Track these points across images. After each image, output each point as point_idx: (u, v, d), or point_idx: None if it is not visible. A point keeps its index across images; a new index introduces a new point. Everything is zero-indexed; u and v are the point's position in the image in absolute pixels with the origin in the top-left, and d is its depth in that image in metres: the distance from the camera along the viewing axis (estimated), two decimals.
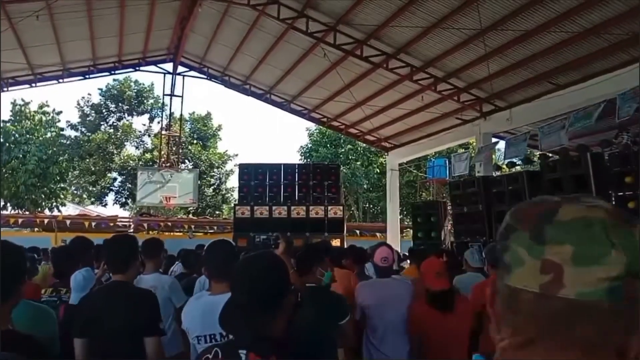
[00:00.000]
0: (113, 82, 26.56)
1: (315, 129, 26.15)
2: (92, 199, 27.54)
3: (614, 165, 6.71)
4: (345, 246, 8.87)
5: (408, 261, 8.25)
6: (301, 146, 27.75)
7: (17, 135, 23.36)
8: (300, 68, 12.87)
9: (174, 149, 20.46)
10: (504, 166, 12.12)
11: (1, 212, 20.00)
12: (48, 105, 25.16)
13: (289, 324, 1.65)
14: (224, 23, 12.39)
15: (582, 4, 7.60)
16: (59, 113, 25.76)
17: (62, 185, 24.95)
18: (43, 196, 23.69)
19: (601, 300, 0.58)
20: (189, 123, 27.80)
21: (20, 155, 22.77)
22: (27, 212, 21.24)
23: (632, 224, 0.62)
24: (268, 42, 12.25)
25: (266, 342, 1.52)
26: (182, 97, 17.85)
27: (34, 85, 14.47)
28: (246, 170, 12.08)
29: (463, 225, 9.20)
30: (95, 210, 24.62)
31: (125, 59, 15.21)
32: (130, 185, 25.56)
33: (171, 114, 19.20)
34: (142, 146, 27.83)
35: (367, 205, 27.56)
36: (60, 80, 14.64)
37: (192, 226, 18.99)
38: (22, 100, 24.20)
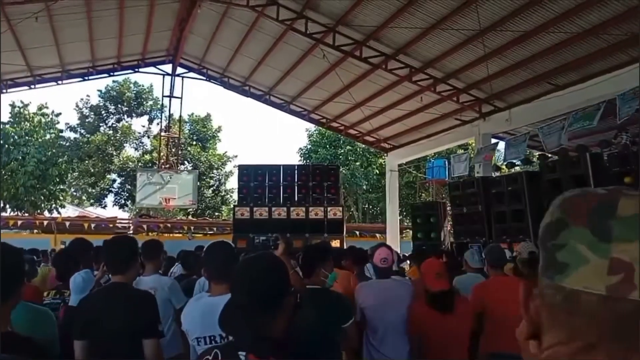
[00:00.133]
0: (112, 84, 26.66)
1: (315, 130, 26.16)
2: (92, 201, 27.54)
3: (613, 165, 6.73)
4: (345, 247, 8.86)
5: (408, 262, 8.26)
6: (300, 147, 27.88)
7: (16, 137, 23.38)
8: (299, 69, 12.88)
9: (173, 150, 20.47)
10: (504, 167, 12.13)
11: (0, 213, 19.98)
12: (47, 107, 25.31)
13: (289, 325, 1.65)
14: (223, 24, 12.39)
15: (580, 5, 7.61)
16: (58, 115, 25.88)
17: (61, 186, 24.98)
18: (42, 198, 23.71)
19: None
20: (188, 124, 27.80)
21: (20, 157, 22.79)
22: (26, 214, 21.26)
23: None
24: (267, 43, 12.26)
25: (265, 343, 1.51)
26: (181, 98, 17.88)
27: (33, 87, 14.48)
28: (245, 172, 12.07)
29: (462, 226, 9.20)
30: (94, 211, 24.65)
31: (125, 60, 15.22)
32: (129, 187, 25.57)
33: (170, 115, 19.19)
34: (141, 147, 27.86)
35: (367, 206, 27.56)
36: (60, 82, 14.62)
37: (192, 227, 19.03)
38: (21, 102, 24.36)
